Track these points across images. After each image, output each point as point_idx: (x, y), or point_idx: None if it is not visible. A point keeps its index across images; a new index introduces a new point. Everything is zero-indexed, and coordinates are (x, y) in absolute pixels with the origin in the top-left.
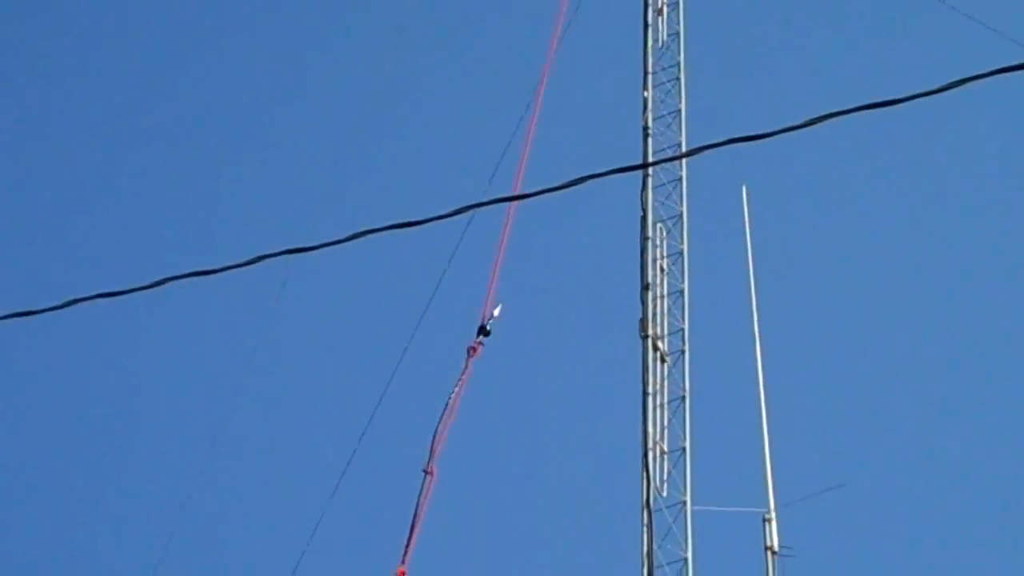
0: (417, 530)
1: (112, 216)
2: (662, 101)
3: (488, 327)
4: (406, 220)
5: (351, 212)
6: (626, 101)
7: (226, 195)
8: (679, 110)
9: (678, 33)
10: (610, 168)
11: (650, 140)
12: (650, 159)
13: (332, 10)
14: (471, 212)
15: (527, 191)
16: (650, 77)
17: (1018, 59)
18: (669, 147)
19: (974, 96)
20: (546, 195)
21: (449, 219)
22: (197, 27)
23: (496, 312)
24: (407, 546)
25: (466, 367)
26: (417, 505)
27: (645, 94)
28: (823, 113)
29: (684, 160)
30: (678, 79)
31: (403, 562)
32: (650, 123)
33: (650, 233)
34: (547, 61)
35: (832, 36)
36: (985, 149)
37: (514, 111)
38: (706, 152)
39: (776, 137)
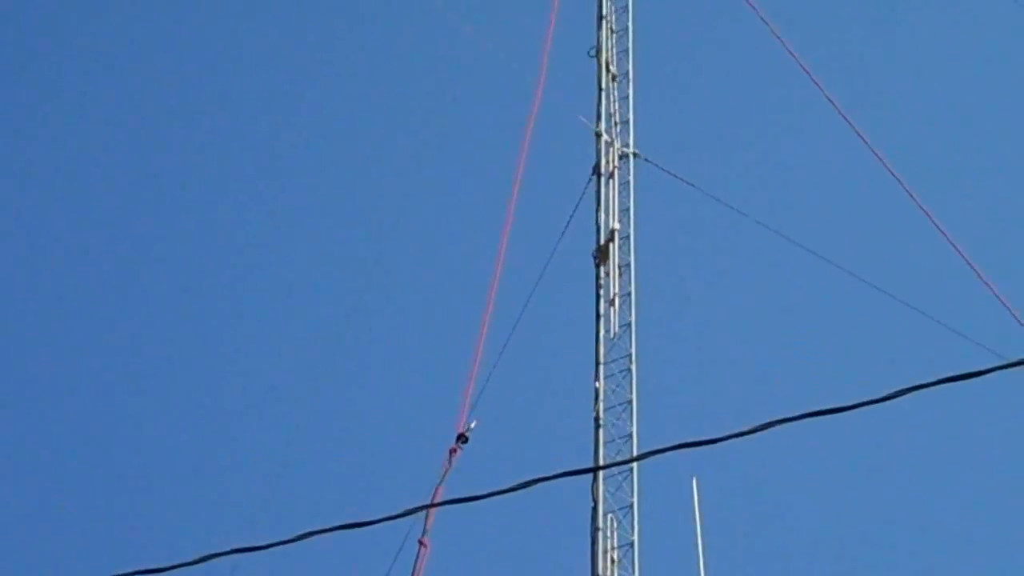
0: None
1: (60, 520)
2: (613, 391)
3: (467, 435)
4: (354, 521)
5: (298, 511)
6: (577, 392)
7: (173, 492)
8: (630, 401)
9: (630, 324)
10: (560, 471)
11: (601, 431)
12: (601, 449)
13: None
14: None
15: (479, 492)
16: (601, 368)
17: (978, 362)
18: (620, 438)
19: (925, 401)
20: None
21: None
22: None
23: (472, 424)
24: None
25: (449, 464)
26: (413, 570)
27: (596, 385)
28: (771, 420)
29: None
30: (629, 370)
31: None
32: (601, 414)
33: (601, 524)
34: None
35: (783, 336)
36: (935, 453)
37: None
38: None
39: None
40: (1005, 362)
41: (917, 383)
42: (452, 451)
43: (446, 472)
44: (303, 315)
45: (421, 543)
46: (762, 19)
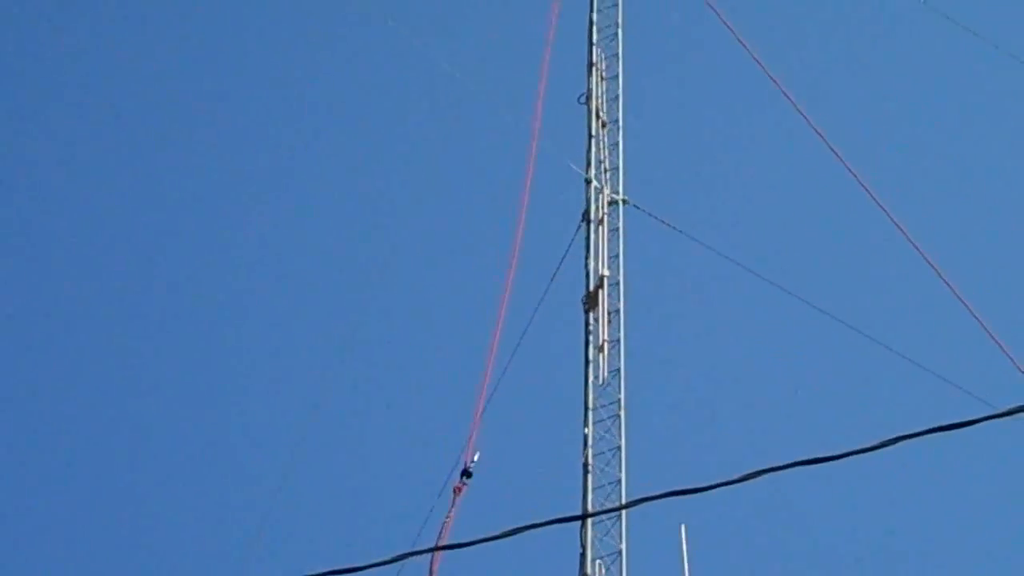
0: None
1: (45, 548)
2: (602, 437)
3: (471, 470)
4: (344, 566)
5: (290, 556)
6: (566, 437)
7: (163, 536)
8: (619, 447)
9: (619, 370)
10: (548, 518)
11: (590, 477)
12: (590, 495)
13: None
14: (406, 560)
15: (468, 538)
16: (591, 413)
17: (969, 411)
18: (609, 484)
19: (915, 450)
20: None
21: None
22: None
23: (475, 457)
24: None
25: (453, 504)
26: None
27: (585, 431)
28: (760, 468)
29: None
30: (618, 416)
31: None
32: (590, 459)
33: (589, 570)
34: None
35: (773, 383)
36: (925, 502)
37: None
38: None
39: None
40: (997, 411)
41: (907, 432)
42: (457, 489)
43: (451, 511)
44: (301, 354)
45: None
46: (758, 63)
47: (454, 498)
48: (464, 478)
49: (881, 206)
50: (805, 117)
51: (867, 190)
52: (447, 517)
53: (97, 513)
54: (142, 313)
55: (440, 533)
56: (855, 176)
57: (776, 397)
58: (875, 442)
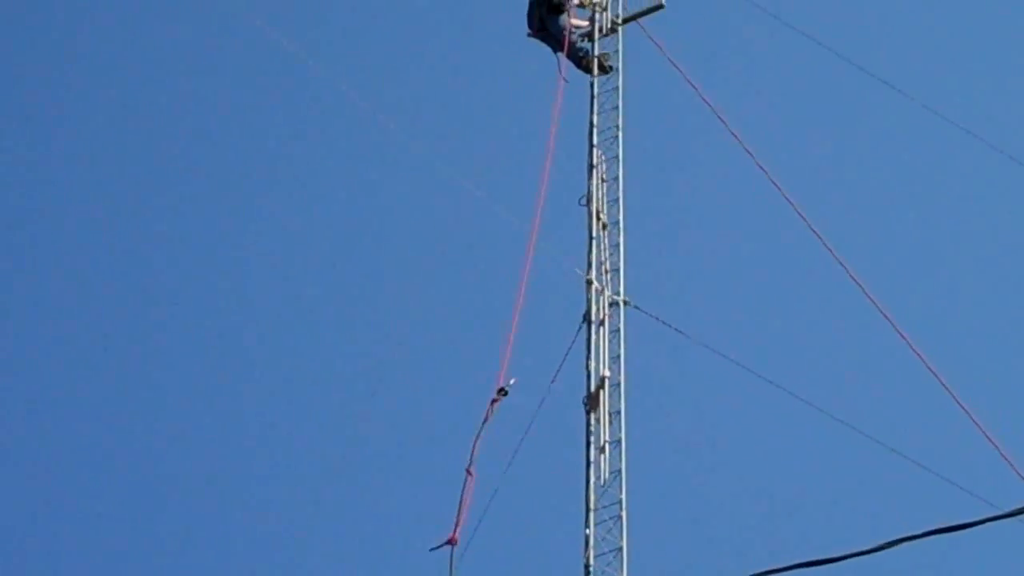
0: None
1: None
2: (603, 538)
3: (507, 388)
4: None
5: None
6: (567, 539)
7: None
8: (620, 548)
9: (620, 471)
10: None
11: None
12: None
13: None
14: None
15: None
16: (592, 514)
17: (964, 509)
18: None
19: (913, 552)
20: None
21: None
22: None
23: (512, 382)
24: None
25: (489, 412)
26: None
27: (587, 531)
28: (761, 570)
29: None
30: (620, 517)
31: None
32: (591, 561)
33: None
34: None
35: (775, 485)
36: None
37: None
38: None
39: None
40: (1000, 512)
41: (909, 533)
42: (494, 401)
43: (486, 420)
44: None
45: (468, 472)
46: (758, 165)
47: (491, 406)
48: (500, 394)
49: (885, 314)
50: (808, 224)
51: (870, 298)
52: (482, 426)
53: (117, 542)
54: (172, 337)
55: (474, 441)
56: (859, 284)
57: (778, 499)
58: (877, 543)
